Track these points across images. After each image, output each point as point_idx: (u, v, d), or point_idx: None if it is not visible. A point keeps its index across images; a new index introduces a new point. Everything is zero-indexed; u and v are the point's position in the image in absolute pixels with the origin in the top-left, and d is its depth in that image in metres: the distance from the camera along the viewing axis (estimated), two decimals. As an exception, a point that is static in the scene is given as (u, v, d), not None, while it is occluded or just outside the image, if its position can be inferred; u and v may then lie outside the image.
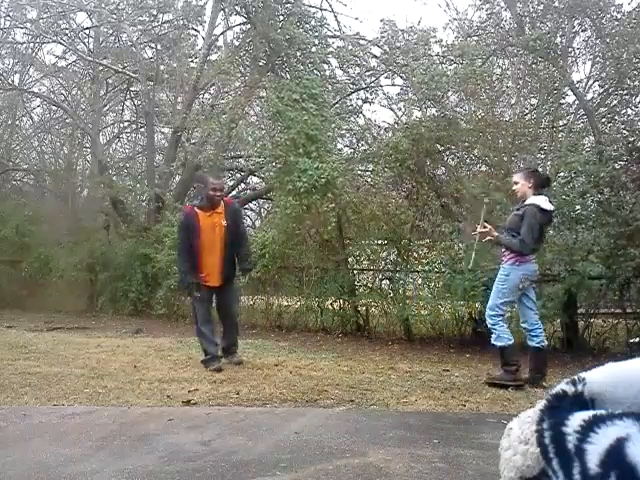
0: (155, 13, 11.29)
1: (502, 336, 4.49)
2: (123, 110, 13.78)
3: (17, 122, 13.83)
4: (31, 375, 4.49)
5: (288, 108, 7.32)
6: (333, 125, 7.96)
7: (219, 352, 5.11)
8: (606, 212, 6.23)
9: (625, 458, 0.76)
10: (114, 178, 12.13)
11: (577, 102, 7.94)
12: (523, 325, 4.68)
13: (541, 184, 4.58)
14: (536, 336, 4.57)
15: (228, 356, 5.18)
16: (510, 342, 4.51)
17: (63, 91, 13.04)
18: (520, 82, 8.50)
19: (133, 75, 11.48)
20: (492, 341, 4.58)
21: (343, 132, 8.86)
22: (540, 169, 8.00)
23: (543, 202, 4.43)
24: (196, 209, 4.98)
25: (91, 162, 13.28)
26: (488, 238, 4.63)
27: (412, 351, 6.46)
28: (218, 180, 5.31)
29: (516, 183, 4.58)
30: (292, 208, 7.10)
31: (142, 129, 13.03)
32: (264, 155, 8.25)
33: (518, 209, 4.53)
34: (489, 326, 4.56)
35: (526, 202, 4.45)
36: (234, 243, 5.06)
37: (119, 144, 14.87)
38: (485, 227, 4.59)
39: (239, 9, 9.87)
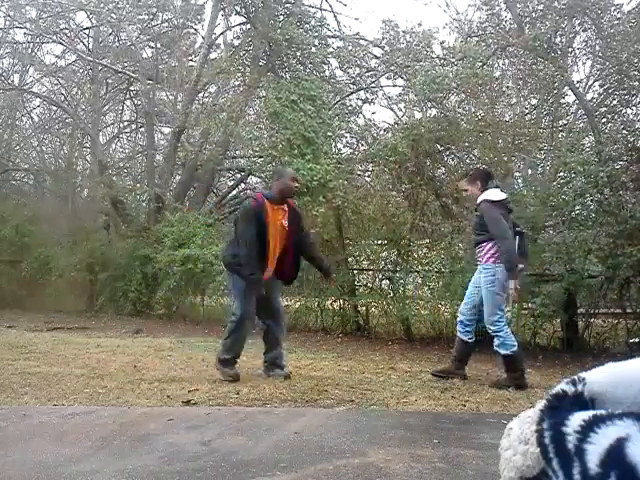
0: (155, 12, 11.30)
1: (507, 343, 4.41)
2: (123, 110, 13.80)
3: (17, 122, 13.84)
4: (31, 375, 4.49)
5: (286, 109, 7.34)
6: (331, 127, 7.96)
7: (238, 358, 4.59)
8: (606, 212, 6.23)
9: (625, 458, 0.76)
10: (114, 178, 12.13)
11: (577, 102, 7.94)
12: (462, 316, 4.68)
13: (486, 180, 4.65)
14: (469, 332, 4.63)
15: (275, 369, 4.58)
16: (515, 348, 4.42)
17: (63, 91, 13.05)
18: (520, 82, 8.51)
19: (133, 75, 11.48)
20: (495, 347, 4.48)
21: (343, 132, 8.87)
22: (540, 169, 8.04)
23: (492, 195, 4.52)
24: (265, 199, 4.51)
25: (91, 162, 13.29)
26: (517, 282, 4.49)
27: (412, 351, 6.46)
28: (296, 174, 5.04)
29: (465, 190, 4.70)
30: None
31: (142, 129, 13.04)
32: (261, 155, 8.27)
33: (476, 210, 4.62)
34: (493, 333, 4.46)
35: (478, 201, 4.54)
36: (295, 245, 4.62)
37: (119, 144, 14.89)
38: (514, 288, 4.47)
39: (239, 9, 9.88)
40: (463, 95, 7.80)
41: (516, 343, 4.48)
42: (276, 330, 4.65)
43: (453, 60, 7.96)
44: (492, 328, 4.45)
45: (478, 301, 4.58)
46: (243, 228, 4.47)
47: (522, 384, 4.39)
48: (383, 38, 9.01)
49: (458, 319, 4.80)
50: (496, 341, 4.46)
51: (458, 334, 4.73)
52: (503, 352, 4.43)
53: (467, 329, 4.65)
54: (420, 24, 8.80)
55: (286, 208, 4.57)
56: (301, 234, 4.70)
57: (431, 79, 7.17)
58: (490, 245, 4.47)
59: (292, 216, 4.61)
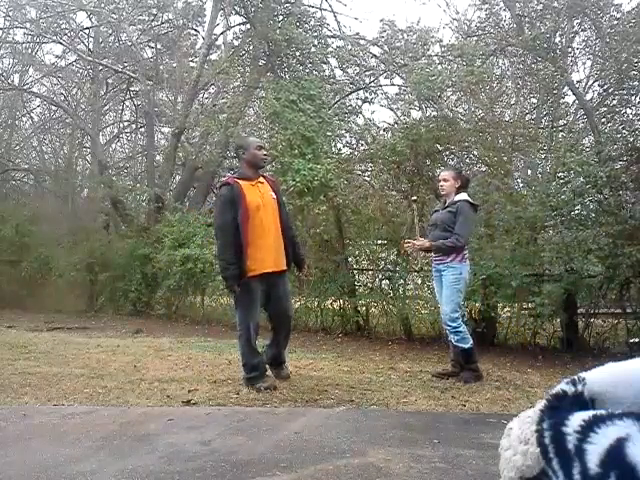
0: (155, 12, 11.30)
1: (466, 337, 4.58)
2: (123, 110, 13.80)
3: (17, 122, 13.85)
4: (31, 375, 4.49)
5: (285, 109, 7.33)
6: (331, 127, 7.96)
7: (265, 365, 4.30)
8: (605, 212, 6.23)
9: (625, 458, 0.76)
10: (114, 178, 12.13)
11: (577, 102, 7.94)
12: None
13: (465, 185, 4.77)
14: (462, 339, 4.65)
15: (275, 368, 4.39)
16: (471, 342, 4.62)
17: (63, 91, 13.05)
18: (519, 82, 8.51)
19: (133, 75, 11.48)
20: (455, 342, 4.62)
21: (342, 132, 8.87)
22: (540, 169, 8.04)
23: (468, 197, 4.66)
24: (237, 180, 4.12)
25: (91, 162, 13.29)
26: (426, 248, 4.73)
27: (412, 351, 6.46)
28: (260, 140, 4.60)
29: (445, 180, 4.69)
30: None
31: (142, 129, 13.05)
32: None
33: (448, 206, 4.65)
34: (451, 329, 4.59)
35: (456, 199, 4.61)
36: (285, 221, 4.26)
37: (119, 144, 14.90)
38: (419, 240, 4.71)
39: (238, 9, 9.88)
40: (460, 94, 7.80)
41: (471, 339, 4.65)
42: (279, 339, 4.43)
43: (451, 58, 7.96)
44: (452, 324, 4.56)
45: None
46: (217, 217, 4.13)
47: (480, 375, 4.62)
48: (381, 37, 9.02)
49: (443, 323, 4.90)
50: (455, 337, 4.58)
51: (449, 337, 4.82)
52: (465, 346, 4.57)
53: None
54: (418, 22, 8.81)
55: (263, 180, 4.25)
56: (284, 207, 4.37)
57: (425, 78, 7.17)
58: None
59: (273, 186, 4.31)
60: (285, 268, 4.28)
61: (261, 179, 4.27)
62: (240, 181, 4.11)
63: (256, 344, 4.21)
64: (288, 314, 4.49)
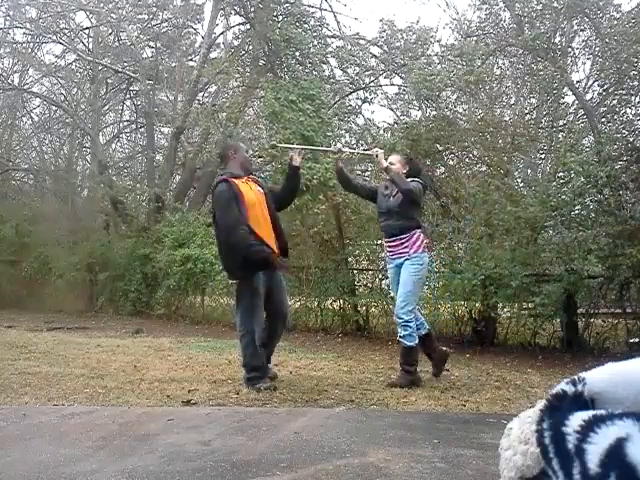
0: (154, 11, 11.30)
1: (413, 335, 4.35)
2: (123, 110, 13.79)
3: (17, 122, 13.84)
4: (31, 375, 4.49)
5: (284, 109, 7.33)
6: (330, 127, 7.96)
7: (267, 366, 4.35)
8: (605, 212, 6.23)
9: (625, 458, 0.76)
10: (114, 178, 12.14)
11: (577, 102, 7.94)
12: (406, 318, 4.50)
13: (415, 174, 4.54)
14: (421, 323, 4.53)
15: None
16: (416, 341, 4.37)
17: (63, 91, 13.04)
18: (519, 82, 8.51)
19: (133, 75, 11.48)
20: (400, 338, 4.38)
21: (342, 132, 8.87)
22: (540, 169, 8.04)
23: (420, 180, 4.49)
24: (230, 178, 4.22)
25: (91, 162, 13.28)
26: (384, 168, 4.37)
27: (412, 351, 6.45)
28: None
29: (392, 164, 4.47)
30: None
31: (142, 129, 13.04)
32: (261, 155, 8.27)
33: (397, 192, 4.38)
34: (403, 322, 4.32)
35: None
36: (274, 213, 4.37)
37: (119, 144, 14.89)
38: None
39: (237, 9, 9.88)
40: (459, 93, 7.80)
41: (417, 339, 4.39)
42: (274, 337, 4.41)
43: (450, 58, 7.95)
44: (404, 317, 4.31)
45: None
46: (224, 213, 4.12)
47: (417, 379, 4.37)
48: (381, 37, 9.01)
49: (395, 316, 4.68)
50: (403, 332, 4.33)
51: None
52: (409, 344, 4.34)
53: (417, 325, 4.49)
54: (418, 22, 8.80)
55: (247, 179, 4.34)
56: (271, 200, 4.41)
57: (424, 77, 7.17)
58: (418, 233, 4.36)
59: (258, 182, 4.44)
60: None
61: (247, 178, 4.39)
62: (233, 179, 4.21)
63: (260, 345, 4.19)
64: (285, 311, 4.51)
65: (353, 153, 4.57)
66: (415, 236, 4.35)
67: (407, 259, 4.32)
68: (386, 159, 4.49)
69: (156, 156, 12.23)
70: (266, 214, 4.26)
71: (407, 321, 4.32)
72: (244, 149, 4.51)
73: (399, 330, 4.39)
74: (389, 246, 4.48)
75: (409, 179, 4.41)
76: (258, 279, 4.15)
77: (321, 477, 2.40)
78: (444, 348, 4.78)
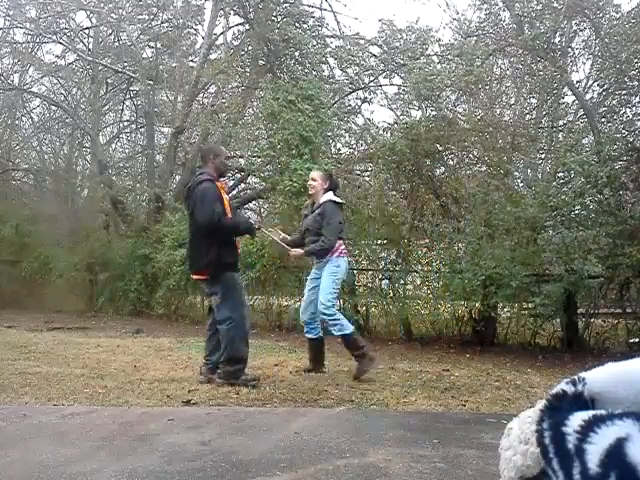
0: (155, 11, 11.29)
1: (343, 325, 4.58)
2: (123, 110, 13.78)
3: (17, 122, 13.84)
4: (31, 375, 4.49)
5: (283, 109, 7.33)
6: (330, 127, 7.96)
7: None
8: (605, 212, 6.23)
9: (625, 458, 0.76)
10: (114, 178, 12.13)
11: (576, 102, 7.94)
12: (304, 317, 4.80)
13: (333, 188, 4.86)
14: (314, 328, 4.75)
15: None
16: (351, 328, 4.64)
17: (63, 91, 13.05)
18: (519, 82, 8.51)
19: (133, 75, 11.48)
20: (336, 334, 4.64)
21: (342, 132, 8.87)
22: (540, 169, 8.04)
23: (334, 197, 4.77)
24: (214, 180, 4.38)
25: (91, 162, 13.29)
26: (301, 255, 4.88)
27: (412, 351, 6.46)
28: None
29: (314, 180, 4.81)
30: (281, 208, 7.14)
31: (142, 129, 13.03)
32: (260, 155, 8.27)
33: (315, 209, 4.77)
34: (327, 319, 4.60)
35: (322, 200, 4.74)
36: None
37: (119, 144, 14.89)
38: (293, 250, 4.82)
39: (237, 9, 9.87)
40: (459, 93, 7.80)
41: (351, 325, 4.69)
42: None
43: (450, 58, 7.95)
44: (327, 313, 4.57)
45: (316, 300, 4.72)
46: (212, 205, 4.17)
47: (372, 356, 4.64)
48: (380, 37, 9.02)
49: (301, 321, 4.98)
50: (334, 328, 4.60)
51: (306, 335, 4.89)
52: (346, 332, 4.58)
53: (311, 326, 4.80)
54: (417, 22, 8.81)
55: (221, 185, 4.52)
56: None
57: (424, 77, 7.17)
58: (338, 243, 4.68)
59: (225, 190, 4.66)
60: None
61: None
62: (217, 182, 4.38)
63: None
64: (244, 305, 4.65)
65: (279, 245, 5.04)
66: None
67: (326, 263, 4.68)
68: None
69: (156, 156, 12.23)
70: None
71: (331, 316, 4.59)
72: (224, 155, 4.66)
73: (332, 329, 4.64)
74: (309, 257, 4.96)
75: (326, 194, 4.75)
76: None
77: (321, 477, 2.40)
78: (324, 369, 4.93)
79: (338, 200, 4.80)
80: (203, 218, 4.18)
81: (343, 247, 4.78)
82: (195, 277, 4.53)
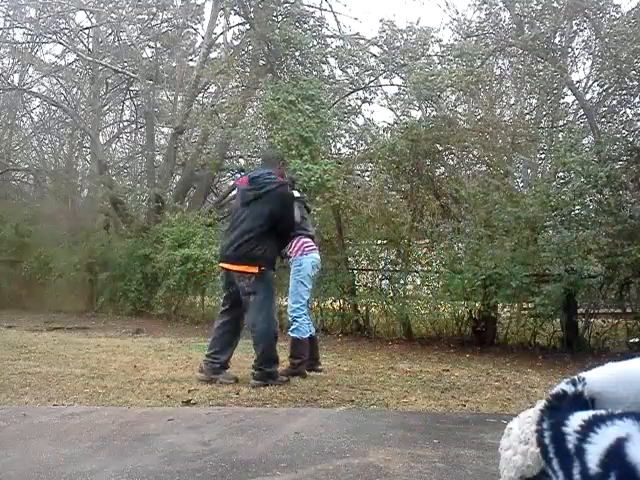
0: (154, 11, 11.30)
1: (301, 329, 4.61)
2: (123, 110, 13.79)
3: (17, 122, 13.84)
4: (31, 375, 4.49)
5: (283, 110, 7.33)
6: (330, 127, 7.95)
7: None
8: (605, 212, 6.23)
9: (625, 458, 0.76)
10: (114, 178, 12.13)
11: (576, 102, 7.94)
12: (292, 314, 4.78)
13: (291, 183, 4.91)
14: (297, 329, 4.69)
15: (222, 371, 4.48)
16: (306, 336, 4.63)
17: (63, 91, 13.05)
18: (519, 82, 8.51)
19: (133, 75, 11.48)
20: (289, 332, 4.69)
21: (342, 132, 8.87)
22: (540, 169, 8.04)
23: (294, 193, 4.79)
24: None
25: (91, 162, 13.29)
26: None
27: (412, 351, 6.46)
28: None
29: None
30: None
31: (142, 129, 13.04)
32: (259, 155, 8.26)
33: None
34: (291, 318, 4.67)
35: None
36: None
37: (119, 144, 14.90)
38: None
39: (237, 9, 9.87)
40: (459, 93, 7.80)
41: (310, 333, 4.69)
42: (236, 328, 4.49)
43: (450, 58, 7.95)
44: (293, 314, 4.66)
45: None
46: (290, 211, 4.38)
47: (300, 372, 4.56)
48: (380, 37, 9.01)
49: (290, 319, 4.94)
50: (292, 327, 4.66)
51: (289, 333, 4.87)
52: (294, 335, 4.62)
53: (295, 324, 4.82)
54: (418, 22, 8.81)
55: None
56: None
57: (424, 77, 7.16)
58: (297, 239, 4.69)
59: None
60: None
61: None
62: None
63: None
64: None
65: None
66: (294, 242, 4.69)
67: (292, 262, 4.74)
68: None
69: (156, 156, 12.23)
70: None
71: (295, 317, 4.66)
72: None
73: (290, 327, 4.72)
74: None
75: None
76: None
77: (321, 477, 2.40)
78: (320, 367, 4.88)
79: (296, 195, 4.78)
80: (292, 220, 4.39)
81: (307, 244, 4.73)
82: (236, 269, 4.21)
